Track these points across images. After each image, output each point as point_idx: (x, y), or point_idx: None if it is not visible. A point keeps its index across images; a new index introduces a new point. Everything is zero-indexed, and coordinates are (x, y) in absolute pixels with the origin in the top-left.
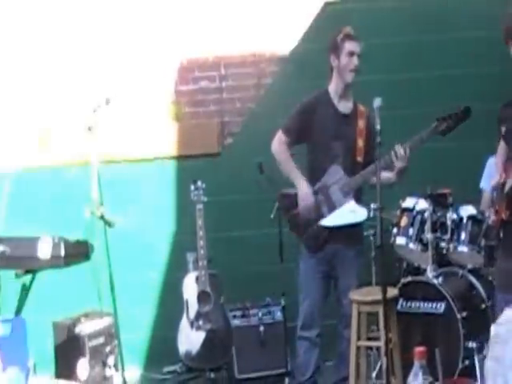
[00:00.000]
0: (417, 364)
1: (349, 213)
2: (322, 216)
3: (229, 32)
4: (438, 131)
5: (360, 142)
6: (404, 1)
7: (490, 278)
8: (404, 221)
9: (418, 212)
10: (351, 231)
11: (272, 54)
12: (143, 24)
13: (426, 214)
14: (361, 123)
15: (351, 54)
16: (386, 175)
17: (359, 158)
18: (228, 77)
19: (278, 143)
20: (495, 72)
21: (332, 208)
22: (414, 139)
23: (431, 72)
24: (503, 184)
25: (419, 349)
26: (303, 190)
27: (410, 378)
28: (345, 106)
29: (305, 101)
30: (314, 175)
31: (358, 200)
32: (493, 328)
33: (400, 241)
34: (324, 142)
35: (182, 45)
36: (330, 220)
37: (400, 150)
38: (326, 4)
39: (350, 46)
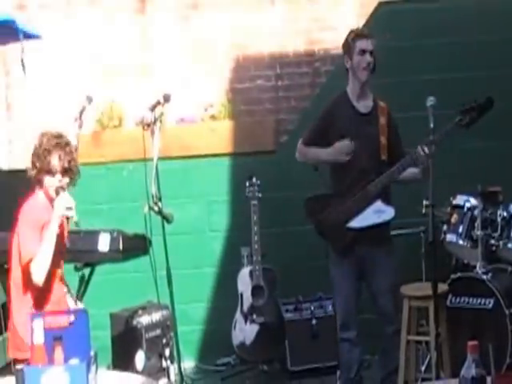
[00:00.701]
0: (470, 357)
1: (375, 213)
2: (348, 218)
3: (284, 32)
4: (461, 124)
5: (383, 140)
6: (455, 2)
7: None
8: (454, 218)
9: (469, 209)
10: (379, 231)
11: (326, 54)
12: (200, 23)
13: (476, 212)
14: (382, 120)
15: (363, 51)
16: (412, 171)
17: (383, 157)
18: (283, 76)
19: (301, 151)
20: None
21: (358, 209)
22: (438, 134)
23: (483, 72)
24: None
25: (472, 343)
26: (337, 145)
27: (463, 371)
28: (364, 105)
29: (323, 108)
30: (336, 176)
31: (385, 199)
32: None
33: (450, 237)
34: None
35: (239, 45)
36: (356, 222)
37: (424, 148)
38: (380, 3)
39: (360, 44)
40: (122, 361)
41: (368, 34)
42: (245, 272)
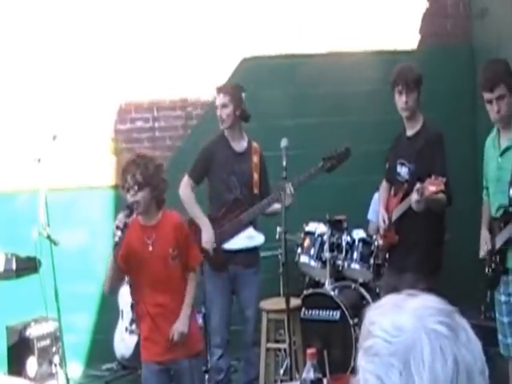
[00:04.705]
0: (309, 363)
1: (247, 238)
2: (224, 240)
3: (161, 80)
4: (324, 169)
5: (255, 176)
6: (305, 58)
7: (378, 290)
8: (307, 242)
9: (319, 235)
10: (249, 254)
11: (197, 100)
12: (87, 72)
13: (325, 237)
14: (255, 159)
15: (216, 107)
16: (277, 206)
17: (256, 190)
18: (160, 118)
19: (184, 187)
20: (385, 119)
21: (233, 234)
22: (303, 176)
23: (334, 118)
24: (389, 217)
25: (310, 350)
26: (207, 235)
27: (304, 374)
28: (239, 146)
29: (204, 146)
30: (214, 204)
31: (255, 227)
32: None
33: (303, 259)
34: (223, 177)
35: (122, 90)
36: (231, 244)
37: (290, 187)
38: (244, 60)
39: (216, 100)
40: (16, 368)
41: (220, 89)
42: (125, 289)
